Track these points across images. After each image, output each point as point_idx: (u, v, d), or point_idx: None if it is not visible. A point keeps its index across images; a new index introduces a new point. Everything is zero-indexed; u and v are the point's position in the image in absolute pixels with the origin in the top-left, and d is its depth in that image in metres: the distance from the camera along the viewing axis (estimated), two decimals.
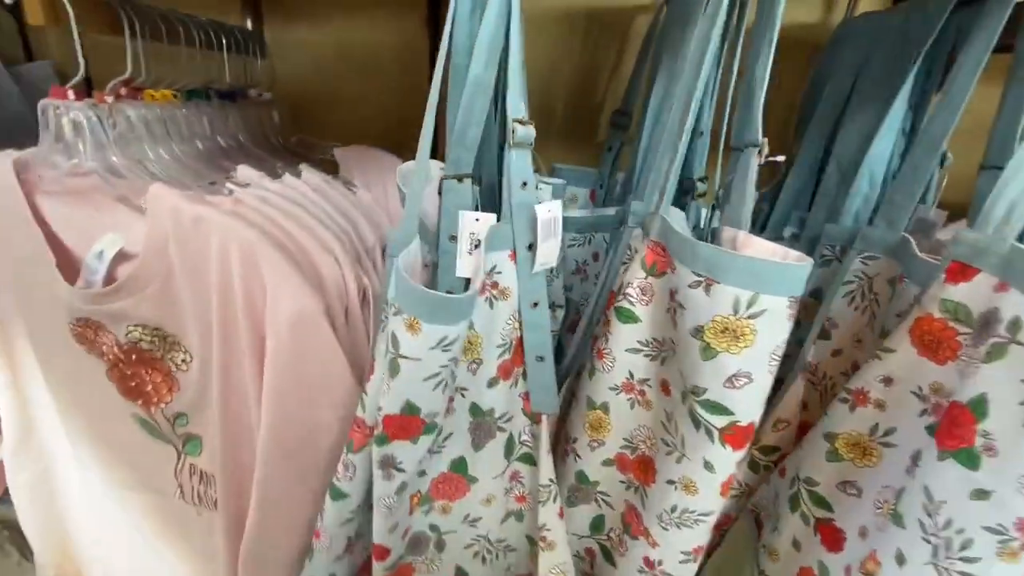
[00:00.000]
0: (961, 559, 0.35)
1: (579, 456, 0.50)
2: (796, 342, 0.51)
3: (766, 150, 0.39)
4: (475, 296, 0.36)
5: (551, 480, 0.47)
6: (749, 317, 0.36)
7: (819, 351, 0.52)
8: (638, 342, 0.45)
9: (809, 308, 0.55)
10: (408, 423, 0.38)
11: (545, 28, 0.66)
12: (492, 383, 0.44)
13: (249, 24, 0.66)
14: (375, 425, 0.39)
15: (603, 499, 0.51)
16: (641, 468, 0.47)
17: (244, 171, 0.50)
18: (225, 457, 0.48)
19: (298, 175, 0.53)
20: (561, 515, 0.48)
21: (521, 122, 0.37)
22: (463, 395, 0.44)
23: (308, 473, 0.46)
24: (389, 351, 0.35)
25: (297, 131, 0.71)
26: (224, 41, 0.57)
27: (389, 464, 0.40)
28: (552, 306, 0.61)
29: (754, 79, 0.40)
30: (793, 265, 0.35)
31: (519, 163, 0.38)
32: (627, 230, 0.49)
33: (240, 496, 0.48)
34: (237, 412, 0.46)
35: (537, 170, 0.45)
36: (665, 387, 0.44)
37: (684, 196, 0.52)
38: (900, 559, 0.37)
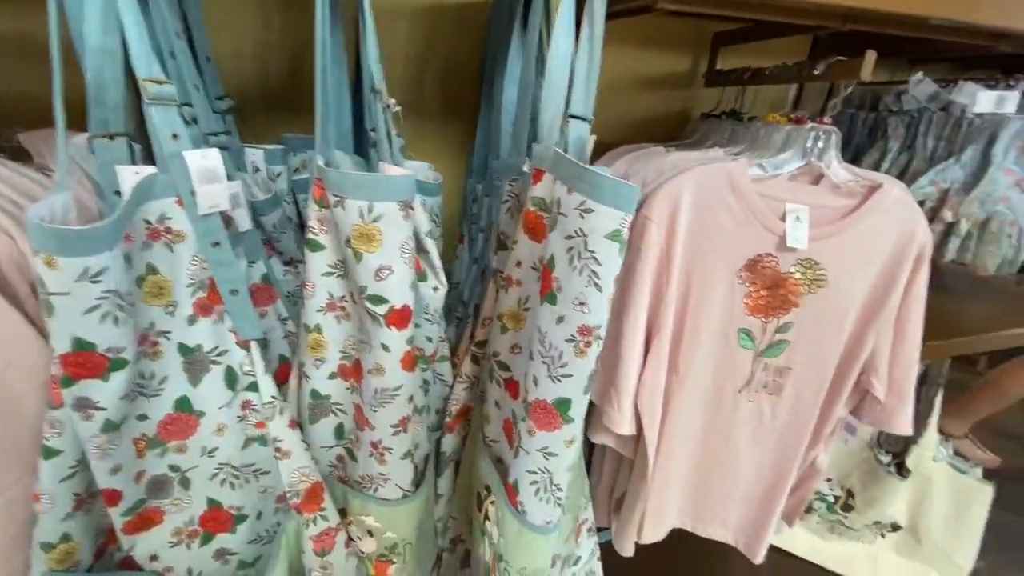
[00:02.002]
0: (560, 367, 0.50)
1: (308, 377, 0.58)
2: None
3: (385, 97, 0.50)
4: (104, 228, 0.39)
5: (273, 397, 0.54)
6: (373, 221, 0.46)
7: (502, 260, 0.66)
8: (328, 266, 0.53)
9: (495, 230, 0.69)
10: (87, 360, 0.41)
11: (235, 5, 0.71)
12: (192, 321, 0.49)
13: None
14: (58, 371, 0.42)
15: (337, 408, 0.60)
16: (356, 371, 0.57)
17: None
18: None
19: None
20: (291, 426, 0.56)
21: (155, 81, 0.43)
22: (167, 338, 0.49)
23: (13, 447, 0.47)
24: (40, 292, 0.38)
25: None
26: None
27: (85, 405, 0.43)
28: (292, 261, 0.68)
29: (366, 39, 0.50)
30: (392, 178, 0.46)
31: (163, 117, 0.43)
32: (311, 178, 0.57)
33: None
34: None
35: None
36: (352, 297, 0.54)
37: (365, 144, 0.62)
38: (535, 381, 0.52)
